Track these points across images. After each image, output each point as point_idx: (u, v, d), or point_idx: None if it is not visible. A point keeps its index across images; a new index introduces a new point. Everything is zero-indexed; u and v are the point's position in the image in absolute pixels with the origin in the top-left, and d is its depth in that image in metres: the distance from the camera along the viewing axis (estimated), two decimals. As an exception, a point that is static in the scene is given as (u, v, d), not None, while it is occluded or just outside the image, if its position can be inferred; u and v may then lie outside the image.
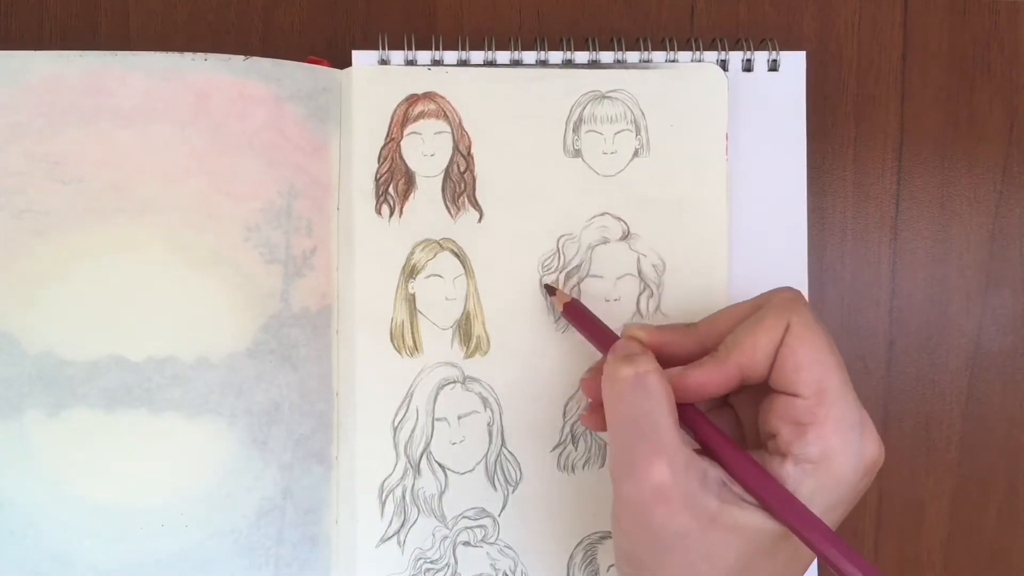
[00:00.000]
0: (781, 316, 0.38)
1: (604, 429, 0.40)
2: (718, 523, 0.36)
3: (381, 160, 0.48)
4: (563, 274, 0.48)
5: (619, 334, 0.43)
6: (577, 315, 0.45)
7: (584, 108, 0.48)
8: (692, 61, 0.49)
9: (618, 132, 0.48)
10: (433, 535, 0.48)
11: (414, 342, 0.48)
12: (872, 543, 0.52)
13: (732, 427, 0.42)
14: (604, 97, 0.48)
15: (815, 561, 0.39)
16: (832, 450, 0.36)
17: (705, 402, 0.42)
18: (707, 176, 0.48)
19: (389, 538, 0.48)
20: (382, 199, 0.48)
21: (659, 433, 0.36)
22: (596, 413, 0.42)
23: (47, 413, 0.46)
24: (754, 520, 0.36)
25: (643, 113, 0.48)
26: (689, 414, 0.39)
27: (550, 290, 0.47)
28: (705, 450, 0.39)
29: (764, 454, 0.38)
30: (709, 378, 0.38)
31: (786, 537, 0.37)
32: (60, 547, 0.46)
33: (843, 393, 0.37)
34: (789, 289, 0.40)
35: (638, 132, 0.48)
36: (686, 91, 0.48)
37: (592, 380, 0.42)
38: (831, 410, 0.37)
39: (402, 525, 0.48)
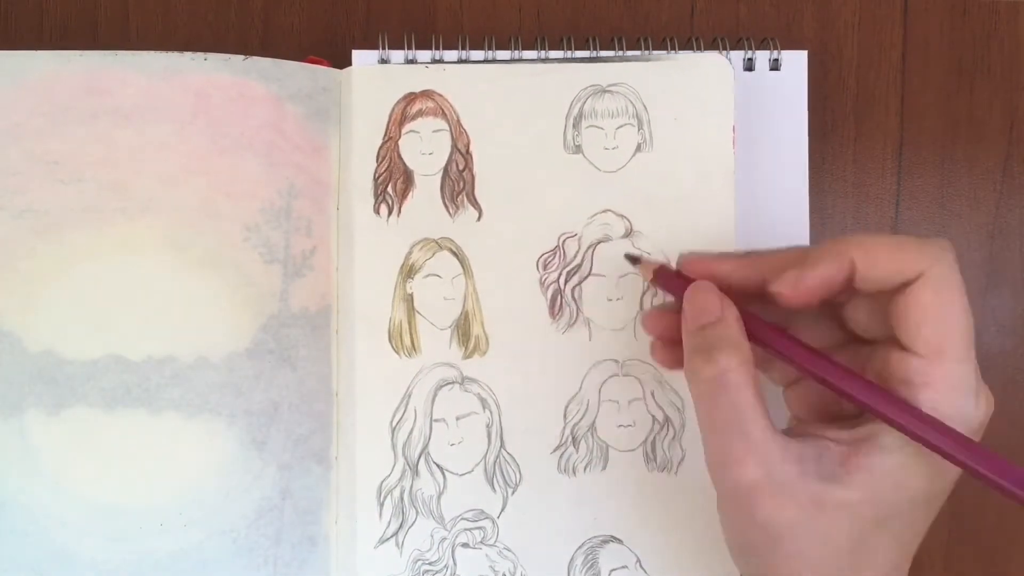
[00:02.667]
0: (923, 257, 0.35)
1: (674, 367, 0.40)
2: (824, 505, 0.35)
3: (380, 159, 0.48)
4: (564, 273, 0.48)
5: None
6: (667, 280, 0.41)
7: (584, 103, 0.48)
8: (693, 59, 0.49)
9: (619, 127, 0.48)
10: (432, 536, 0.48)
11: (412, 342, 0.48)
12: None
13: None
14: (604, 91, 0.48)
15: (925, 531, 0.38)
16: (941, 416, 0.34)
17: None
18: (713, 170, 0.48)
19: (388, 539, 0.47)
20: (381, 198, 0.48)
21: (747, 431, 0.36)
22: (663, 351, 0.42)
23: (47, 412, 0.46)
24: (858, 492, 0.35)
25: (645, 106, 0.48)
26: (793, 345, 0.38)
27: (633, 260, 0.44)
28: (808, 375, 0.37)
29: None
30: (827, 273, 0.36)
31: (896, 507, 0.36)
32: (60, 545, 0.46)
33: (964, 357, 0.35)
34: (942, 240, 0.36)
35: (640, 126, 0.48)
36: (689, 83, 0.48)
37: (655, 317, 0.42)
38: (947, 373, 0.35)
39: (400, 526, 0.48)
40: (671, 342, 0.41)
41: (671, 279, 0.41)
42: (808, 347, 0.37)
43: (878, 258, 0.35)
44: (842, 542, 0.35)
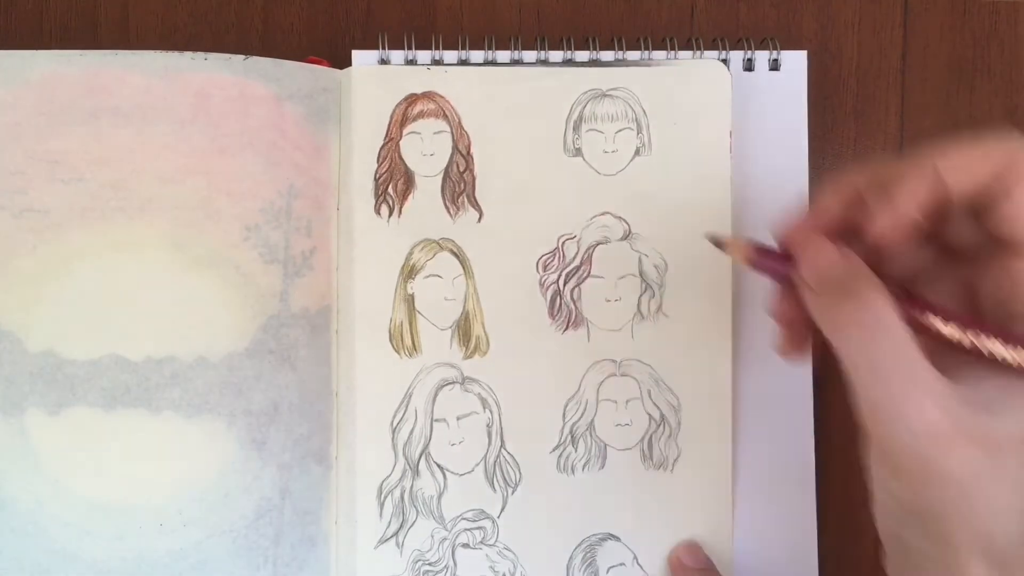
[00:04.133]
0: (1009, 149, 0.32)
1: (800, 353, 0.37)
2: (1006, 444, 0.31)
3: (380, 160, 0.48)
4: (563, 274, 0.48)
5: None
6: (767, 259, 0.37)
7: (584, 106, 0.48)
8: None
9: (619, 131, 0.48)
10: (432, 537, 0.48)
11: (413, 342, 0.48)
12: (872, 541, 0.51)
13: None
14: (604, 95, 0.48)
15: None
16: None
17: None
18: (710, 174, 0.48)
19: (388, 539, 0.48)
20: (381, 199, 0.48)
21: (917, 372, 0.31)
22: (792, 341, 0.38)
23: (48, 412, 0.46)
24: None
25: (644, 111, 0.48)
26: (924, 311, 0.34)
27: (718, 243, 0.39)
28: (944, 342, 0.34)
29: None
30: (917, 200, 0.32)
31: None
32: (60, 544, 0.46)
33: None
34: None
35: (639, 130, 0.48)
36: (688, 88, 0.48)
37: (782, 304, 0.37)
38: None
39: (401, 526, 0.48)
40: (797, 324, 0.37)
41: (769, 257, 0.37)
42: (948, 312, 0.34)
43: (965, 169, 0.32)
44: None
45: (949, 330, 0.33)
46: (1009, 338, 0.32)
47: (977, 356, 0.33)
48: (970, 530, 0.31)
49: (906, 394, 0.31)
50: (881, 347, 0.32)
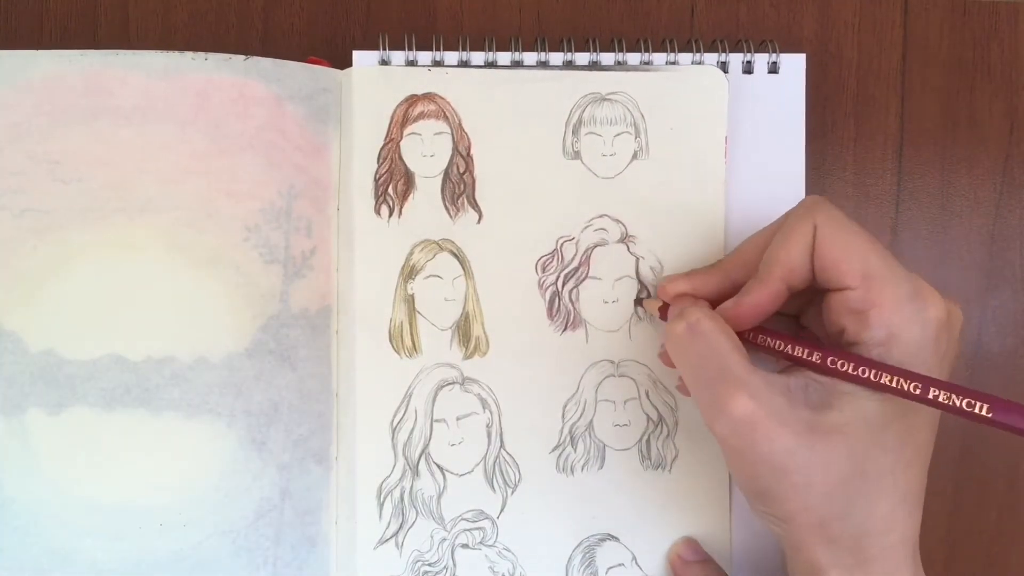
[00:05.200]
0: (806, 220, 0.39)
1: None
2: (817, 430, 0.37)
3: (380, 160, 0.48)
4: (562, 275, 0.48)
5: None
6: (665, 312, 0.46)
7: (584, 110, 0.48)
8: (692, 63, 0.48)
9: (617, 134, 0.48)
10: (431, 537, 0.48)
11: (413, 343, 0.48)
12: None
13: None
14: (604, 99, 0.48)
15: (929, 446, 0.39)
16: (896, 327, 0.37)
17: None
18: (706, 179, 0.48)
19: (387, 540, 0.48)
20: (381, 199, 0.48)
21: (728, 369, 0.38)
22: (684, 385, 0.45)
23: (48, 412, 0.46)
24: (849, 414, 0.37)
25: (643, 116, 0.48)
26: (757, 334, 0.41)
27: (638, 302, 0.49)
28: (792, 361, 0.40)
29: None
30: (759, 299, 0.40)
31: (889, 423, 0.37)
32: (60, 544, 0.46)
33: (889, 271, 0.38)
34: (809, 197, 0.41)
35: (637, 134, 0.48)
36: (686, 94, 0.48)
37: (665, 353, 0.45)
38: (882, 290, 0.37)
39: (400, 527, 0.48)
40: None
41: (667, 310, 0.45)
42: (776, 334, 0.41)
43: (793, 269, 0.39)
44: (844, 467, 0.37)
45: (779, 347, 0.40)
46: (826, 355, 0.38)
47: (812, 368, 0.39)
48: (802, 508, 0.37)
49: (721, 390, 0.37)
50: (699, 352, 0.39)
